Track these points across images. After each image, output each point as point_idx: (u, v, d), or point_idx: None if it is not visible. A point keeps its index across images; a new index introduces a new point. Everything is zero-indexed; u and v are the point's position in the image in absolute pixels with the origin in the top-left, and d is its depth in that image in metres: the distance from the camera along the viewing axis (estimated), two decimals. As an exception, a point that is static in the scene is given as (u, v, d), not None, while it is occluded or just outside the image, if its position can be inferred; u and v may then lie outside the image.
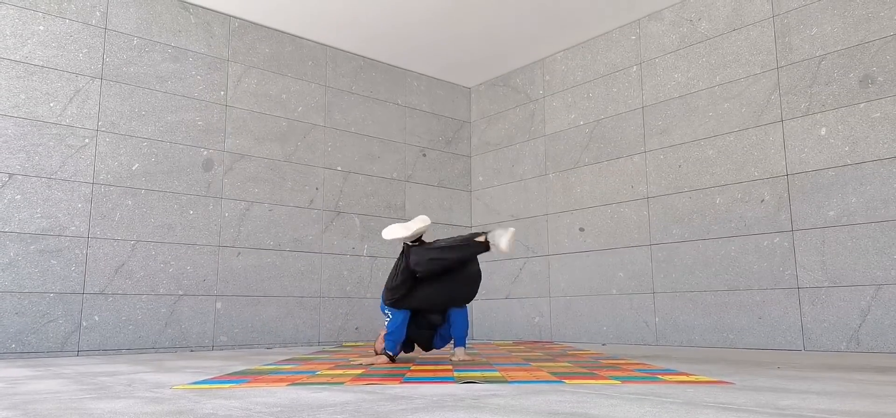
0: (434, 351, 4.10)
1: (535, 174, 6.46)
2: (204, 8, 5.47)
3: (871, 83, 4.31)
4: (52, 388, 2.53)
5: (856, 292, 4.24)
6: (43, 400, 2.17)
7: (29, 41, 4.63)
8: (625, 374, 2.81)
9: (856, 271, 4.25)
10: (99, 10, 4.94)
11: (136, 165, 4.98)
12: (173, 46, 5.28)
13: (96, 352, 4.63)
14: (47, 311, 4.48)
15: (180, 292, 5.07)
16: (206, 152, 5.34)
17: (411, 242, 3.66)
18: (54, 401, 2.15)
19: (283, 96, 5.87)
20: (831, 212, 4.40)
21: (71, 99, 4.75)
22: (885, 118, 4.23)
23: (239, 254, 5.41)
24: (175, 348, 4.99)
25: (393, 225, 3.72)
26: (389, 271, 3.73)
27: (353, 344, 5.79)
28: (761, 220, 4.73)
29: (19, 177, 4.48)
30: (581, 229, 5.97)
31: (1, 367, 3.60)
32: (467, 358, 3.66)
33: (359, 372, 3.06)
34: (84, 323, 4.61)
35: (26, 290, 4.42)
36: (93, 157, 4.79)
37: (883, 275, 4.14)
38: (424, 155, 6.84)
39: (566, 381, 2.58)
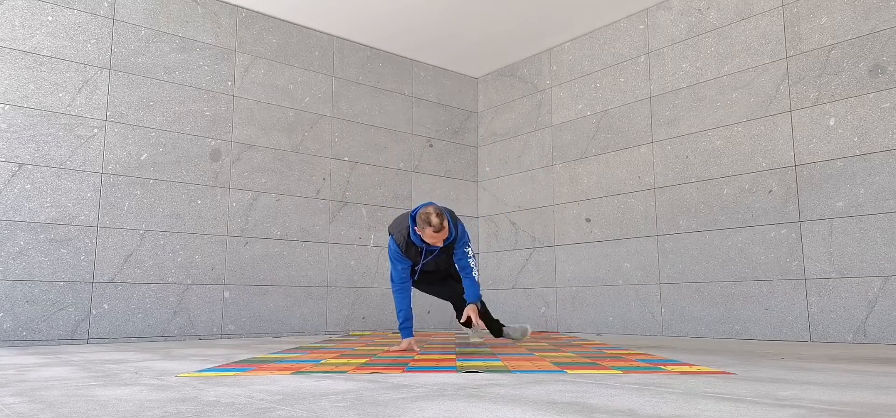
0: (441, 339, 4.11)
1: (542, 164, 6.45)
2: (211, -2, 5.49)
3: (881, 73, 4.26)
4: (60, 375, 2.57)
5: (863, 283, 4.22)
6: (51, 387, 2.21)
7: (37, 32, 4.66)
8: (627, 364, 2.82)
9: (863, 262, 4.23)
10: (107, 1, 4.97)
11: (145, 155, 5.02)
12: (181, 37, 5.30)
13: (106, 340, 4.69)
14: (57, 300, 4.54)
15: (188, 281, 5.11)
16: (213, 142, 5.37)
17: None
18: (62, 388, 2.18)
19: (290, 87, 5.89)
20: (839, 203, 4.37)
21: (79, 89, 4.78)
22: (894, 108, 4.19)
23: (246, 243, 5.45)
24: (183, 336, 5.04)
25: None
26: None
27: (360, 333, 5.82)
28: (769, 211, 4.71)
29: (29, 166, 4.53)
30: (588, 220, 5.96)
31: (11, 354, 3.65)
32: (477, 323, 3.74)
33: (362, 360, 3.09)
34: (93, 312, 4.67)
35: (36, 279, 4.48)
36: (101, 147, 4.83)
37: (891, 267, 4.11)
38: (431, 145, 6.84)
39: (568, 371, 2.59)
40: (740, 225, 4.86)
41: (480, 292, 3.82)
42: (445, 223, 3.52)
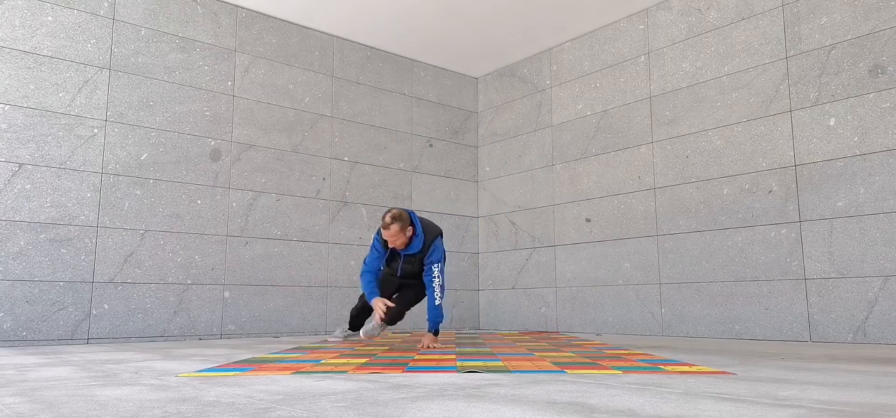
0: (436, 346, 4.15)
1: (542, 164, 6.45)
2: (211, -2, 5.49)
3: (881, 73, 4.26)
4: (60, 375, 2.57)
5: (863, 283, 4.22)
6: (51, 387, 2.21)
7: (38, 32, 4.66)
8: (627, 364, 2.82)
9: (863, 262, 4.23)
10: (107, 1, 4.97)
11: (145, 155, 5.02)
12: (181, 37, 5.30)
13: (106, 340, 4.69)
14: (57, 300, 4.54)
15: (189, 281, 5.11)
16: (213, 142, 5.37)
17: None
18: (62, 388, 2.18)
19: (290, 87, 5.89)
20: (839, 203, 4.37)
21: (79, 89, 4.78)
22: (894, 108, 4.19)
23: (246, 243, 5.45)
24: (184, 336, 5.04)
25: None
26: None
27: (360, 333, 5.82)
28: (769, 211, 4.71)
29: (29, 166, 4.53)
30: (588, 220, 5.96)
31: (11, 354, 3.65)
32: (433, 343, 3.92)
33: (362, 360, 3.09)
34: (94, 312, 4.67)
35: (36, 279, 4.48)
36: (101, 147, 4.83)
37: (891, 267, 4.11)
38: (431, 145, 6.84)
39: (568, 371, 2.59)
40: (740, 225, 4.86)
41: (441, 320, 3.95)
42: (395, 226, 3.77)
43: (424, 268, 3.98)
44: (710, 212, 5.05)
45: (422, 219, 4.02)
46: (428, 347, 3.77)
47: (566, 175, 6.21)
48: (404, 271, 4.07)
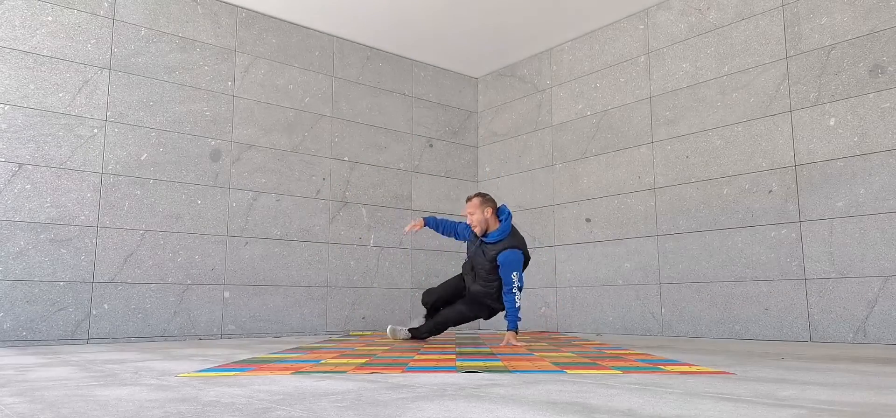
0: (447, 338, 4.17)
1: (542, 165, 6.45)
2: (211, -2, 5.49)
3: (881, 73, 4.26)
4: (60, 375, 2.57)
5: (863, 283, 4.21)
6: (50, 387, 2.21)
7: (38, 32, 4.66)
8: (627, 364, 2.82)
9: (863, 262, 4.23)
10: (107, 1, 4.97)
11: (145, 155, 5.02)
12: (181, 37, 5.30)
13: (106, 341, 4.69)
14: (57, 300, 4.54)
15: (188, 281, 5.11)
16: (213, 142, 5.37)
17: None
18: (62, 388, 2.18)
19: (290, 87, 5.89)
20: (839, 203, 4.37)
21: (79, 89, 4.78)
22: (894, 108, 4.19)
23: (246, 243, 5.44)
24: (184, 336, 5.04)
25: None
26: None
27: (360, 333, 5.82)
28: (769, 211, 4.71)
29: (29, 166, 4.53)
30: (588, 220, 5.96)
31: (11, 355, 3.65)
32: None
33: (362, 361, 3.09)
34: (93, 312, 4.66)
35: (36, 279, 4.48)
36: (101, 147, 4.83)
37: (891, 267, 4.11)
38: (431, 145, 6.84)
39: (568, 371, 2.59)
40: (740, 225, 4.86)
41: (518, 318, 4.11)
42: (474, 198, 4.26)
43: (500, 264, 4.15)
44: (711, 212, 5.05)
45: (513, 227, 4.28)
46: (509, 344, 4.00)
47: (566, 175, 6.21)
48: (476, 260, 4.31)
